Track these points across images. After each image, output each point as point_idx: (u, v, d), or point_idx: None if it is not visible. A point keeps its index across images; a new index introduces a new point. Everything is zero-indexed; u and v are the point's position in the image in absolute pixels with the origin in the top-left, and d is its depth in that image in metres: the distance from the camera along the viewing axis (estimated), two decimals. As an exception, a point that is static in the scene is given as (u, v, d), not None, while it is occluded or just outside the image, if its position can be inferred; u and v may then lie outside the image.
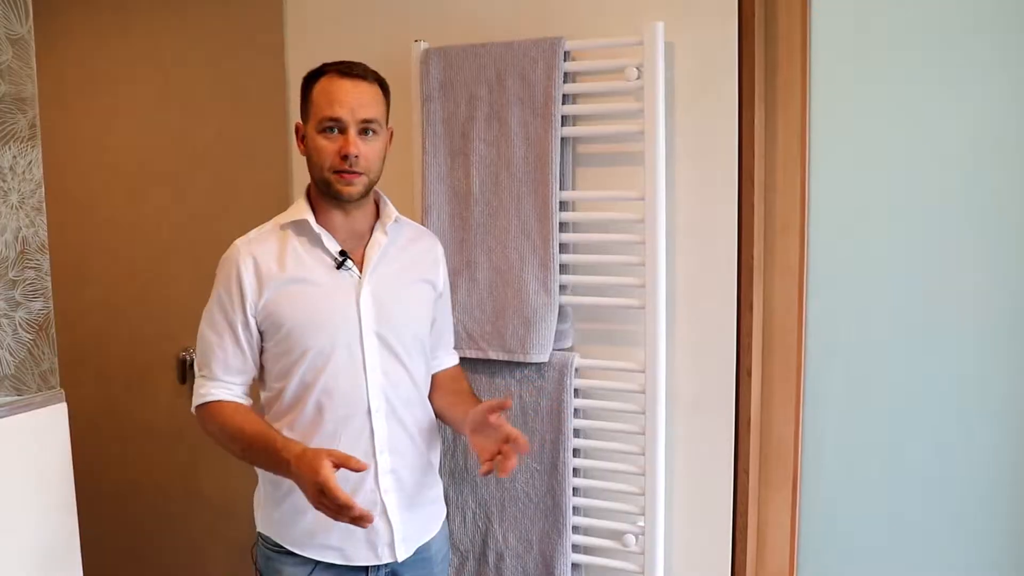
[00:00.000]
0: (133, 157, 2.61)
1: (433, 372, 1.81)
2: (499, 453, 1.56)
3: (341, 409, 1.62)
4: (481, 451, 1.60)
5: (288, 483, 1.57)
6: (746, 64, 1.79)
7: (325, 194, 1.62)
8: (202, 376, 1.66)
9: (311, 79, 1.63)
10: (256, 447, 1.57)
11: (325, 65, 1.62)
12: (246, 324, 1.62)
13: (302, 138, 1.64)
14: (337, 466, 1.45)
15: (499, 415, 1.58)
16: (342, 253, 1.63)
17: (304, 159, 1.65)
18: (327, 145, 1.58)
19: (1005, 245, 1.70)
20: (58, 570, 1.77)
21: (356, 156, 1.57)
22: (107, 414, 2.73)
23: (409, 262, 1.72)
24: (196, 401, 1.66)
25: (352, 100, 1.57)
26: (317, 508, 1.47)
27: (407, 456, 1.68)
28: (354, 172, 1.58)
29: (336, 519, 1.47)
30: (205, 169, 2.48)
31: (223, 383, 1.65)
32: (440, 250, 1.81)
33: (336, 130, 1.58)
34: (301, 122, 1.65)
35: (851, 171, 1.79)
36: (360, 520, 1.45)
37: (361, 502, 1.60)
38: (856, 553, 1.85)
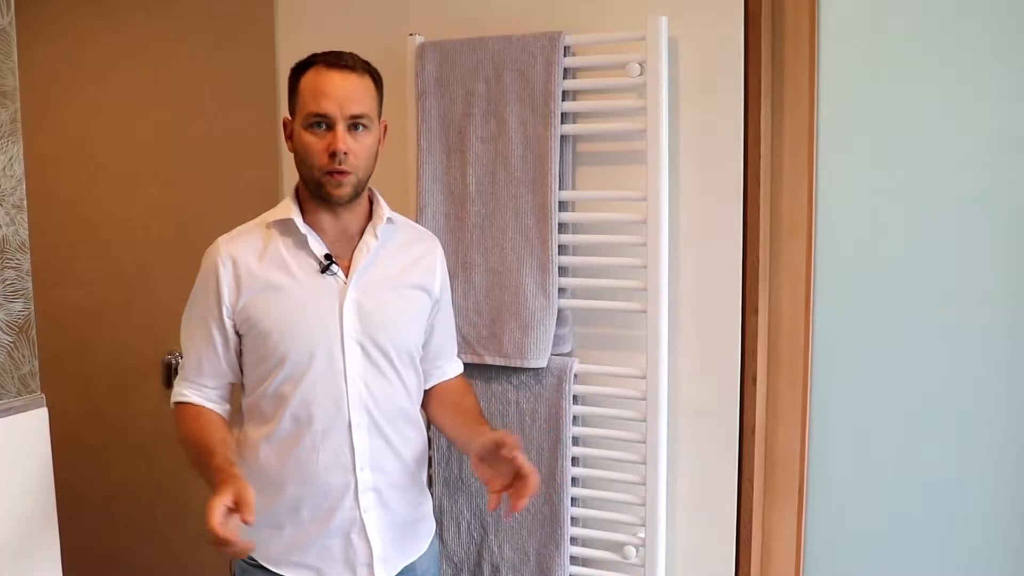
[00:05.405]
0: (119, 153, 2.57)
1: (437, 381, 1.76)
2: (510, 487, 1.49)
3: (319, 422, 1.55)
4: (489, 481, 1.53)
5: (263, 499, 1.51)
6: (752, 60, 1.77)
7: (314, 194, 1.56)
8: (180, 376, 1.65)
9: (298, 71, 1.56)
10: (198, 458, 1.51)
11: (313, 56, 1.56)
12: (221, 326, 1.57)
13: (290, 135, 1.58)
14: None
15: (510, 447, 1.49)
16: (328, 256, 1.56)
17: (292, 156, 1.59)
18: (314, 142, 1.52)
19: (1019, 246, 1.68)
20: (37, 581, 1.74)
21: (345, 153, 1.50)
22: (90, 419, 2.69)
23: (402, 267, 1.64)
24: (171, 400, 1.65)
25: (340, 94, 1.51)
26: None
27: (391, 474, 1.61)
28: (343, 172, 1.51)
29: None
30: (193, 166, 2.45)
31: (195, 385, 1.62)
32: (440, 254, 1.73)
33: (324, 126, 1.51)
34: (289, 117, 1.59)
35: (860, 171, 1.77)
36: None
37: (339, 521, 1.58)
38: (864, 565, 1.83)
